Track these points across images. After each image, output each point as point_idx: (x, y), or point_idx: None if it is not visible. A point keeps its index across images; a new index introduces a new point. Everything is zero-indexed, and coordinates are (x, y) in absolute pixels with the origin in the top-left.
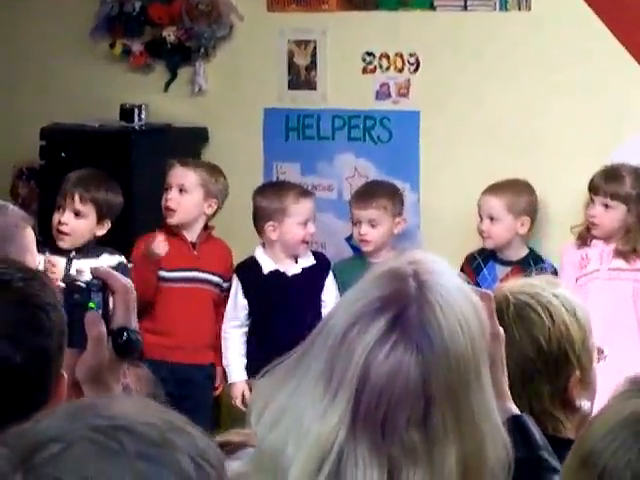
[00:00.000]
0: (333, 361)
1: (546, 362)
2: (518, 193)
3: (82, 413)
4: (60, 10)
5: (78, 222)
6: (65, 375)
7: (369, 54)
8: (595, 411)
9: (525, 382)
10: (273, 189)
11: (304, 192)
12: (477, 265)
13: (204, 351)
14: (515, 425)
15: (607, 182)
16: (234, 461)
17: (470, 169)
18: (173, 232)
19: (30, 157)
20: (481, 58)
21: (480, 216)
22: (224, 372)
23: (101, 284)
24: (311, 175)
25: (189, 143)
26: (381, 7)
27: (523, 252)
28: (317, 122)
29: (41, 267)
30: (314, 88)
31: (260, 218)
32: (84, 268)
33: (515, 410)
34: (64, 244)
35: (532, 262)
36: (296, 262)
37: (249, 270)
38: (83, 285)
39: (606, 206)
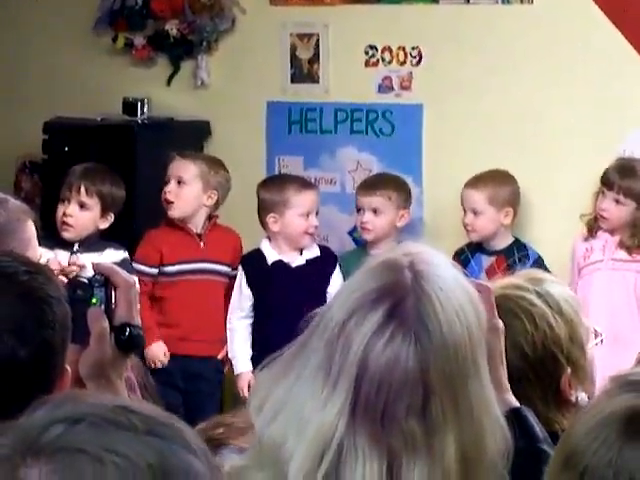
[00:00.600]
0: (331, 353)
1: (533, 367)
2: (499, 184)
3: (77, 399)
4: (62, 4)
5: (83, 214)
6: (69, 369)
7: (371, 47)
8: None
9: (514, 390)
10: (275, 181)
11: (306, 184)
12: (465, 257)
13: (214, 344)
14: (515, 417)
15: (622, 178)
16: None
17: (473, 162)
18: (178, 225)
19: (33, 151)
20: (484, 51)
21: (463, 210)
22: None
23: (104, 280)
24: (314, 168)
25: (192, 137)
26: (383, 0)
27: (508, 241)
28: (320, 115)
29: (43, 260)
30: (317, 81)
31: (263, 210)
32: (86, 263)
33: (515, 403)
34: (68, 235)
35: (516, 251)
36: (301, 254)
37: (254, 261)
38: (86, 281)
39: (617, 201)
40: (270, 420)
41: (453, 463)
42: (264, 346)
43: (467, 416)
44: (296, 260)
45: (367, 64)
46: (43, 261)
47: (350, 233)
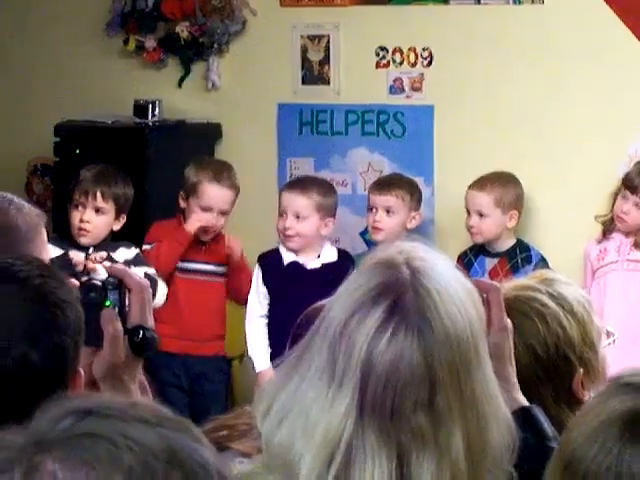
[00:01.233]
0: (335, 353)
1: (545, 368)
2: (505, 187)
3: (87, 396)
4: (73, 7)
5: (100, 219)
6: (82, 372)
7: (382, 49)
8: None
9: (525, 391)
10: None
11: (291, 184)
12: (468, 260)
13: (215, 341)
14: (524, 416)
15: None
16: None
17: (484, 163)
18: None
19: (44, 154)
20: (494, 52)
21: (467, 211)
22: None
23: (117, 282)
24: (325, 170)
25: (203, 139)
26: (394, 1)
27: (511, 242)
28: (331, 117)
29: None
30: (327, 83)
31: None
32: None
33: (524, 401)
34: (85, 240)
35: (519, 252)
36: (318, 257)
37: (271, 259)
38: (99, 283)
39: (637, 205)
40: (277, 424)
41: (461, 455)
42: (278, 346)
43: (472, 408)
44: (312, 263)
45: (378, 65)
46: (71, 257)
47: (362, 234)
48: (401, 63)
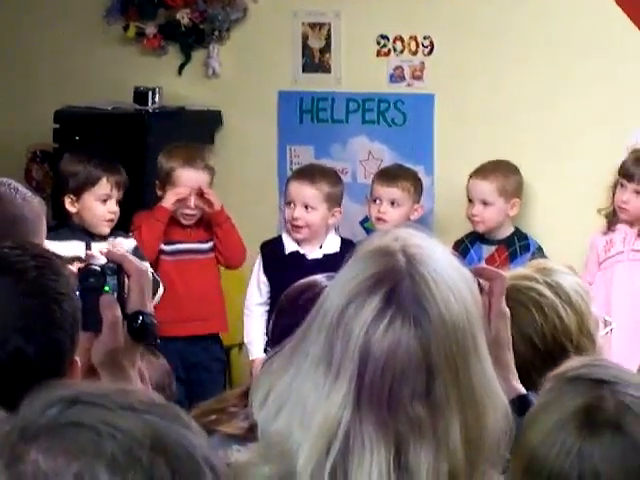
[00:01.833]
0: (332, 343)
1: (542, 358)
2: (507, 175)
3: (73, 384)
4: None
5: (117, 208)
6: (78, 360)
7: (383, 37)
8: None
9: (522, 379)
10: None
11: (299, 174)
12: (464, 247)
13: (214, 319)
14: (521, 404)
15: None
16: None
17: (484, 152)
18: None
19: (44, 140)
20: (496, 41)
21: (469, 200)
22: None
23: (116, 268)
24: (325, 158)
25: (203, 126)
26: None
27: (509, 231)
28: (331, 105)
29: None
30: (328, 71)
31: None
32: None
33: (522, 389)
34: (107, 230)
35: (517, 240)
36: (320, 247)
37: (272, 247)
38: (98, 269)
39: (637, 192)
40: (274, 415)
41: (458, 445)
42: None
43: (469, 397)
44: (313, 253)
45: (379, 54)
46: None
47: (362, 223)
48: (402, 51)
